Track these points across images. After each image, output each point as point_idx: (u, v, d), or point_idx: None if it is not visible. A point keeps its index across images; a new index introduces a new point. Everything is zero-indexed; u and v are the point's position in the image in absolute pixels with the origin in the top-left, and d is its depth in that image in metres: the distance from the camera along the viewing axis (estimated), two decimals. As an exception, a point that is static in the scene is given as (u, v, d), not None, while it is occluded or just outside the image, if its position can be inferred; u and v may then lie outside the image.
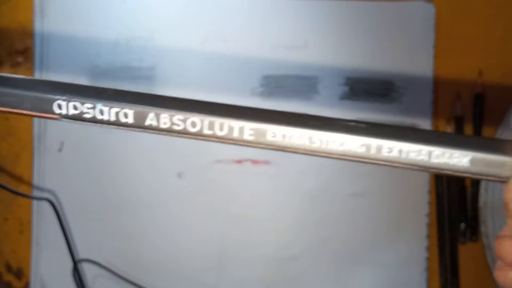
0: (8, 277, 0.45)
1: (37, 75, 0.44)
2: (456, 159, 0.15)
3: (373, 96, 0.43)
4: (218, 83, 0.43)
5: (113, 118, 0.17)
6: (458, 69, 0.44)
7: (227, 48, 0.43)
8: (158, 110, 0.16)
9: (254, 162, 0.44)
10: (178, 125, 0.16)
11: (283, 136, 0.16)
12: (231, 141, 0.16)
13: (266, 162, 0.43)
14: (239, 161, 0.44)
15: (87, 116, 0.17)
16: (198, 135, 0.16)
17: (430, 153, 0.15)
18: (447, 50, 0.43)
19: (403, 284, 0.44)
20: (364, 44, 0.43)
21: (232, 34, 0.43)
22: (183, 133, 0.16)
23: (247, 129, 0.16)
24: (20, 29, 0.44)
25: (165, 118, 0.16)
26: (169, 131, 0.17)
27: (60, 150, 0.44)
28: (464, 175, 0.15)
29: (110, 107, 0.16)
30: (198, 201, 0.44)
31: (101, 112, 0.16)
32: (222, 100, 0.44)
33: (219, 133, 0.16)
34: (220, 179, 0.44)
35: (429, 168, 0.15)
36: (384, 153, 0.15)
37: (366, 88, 0.43)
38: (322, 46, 0.43)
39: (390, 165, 0.16)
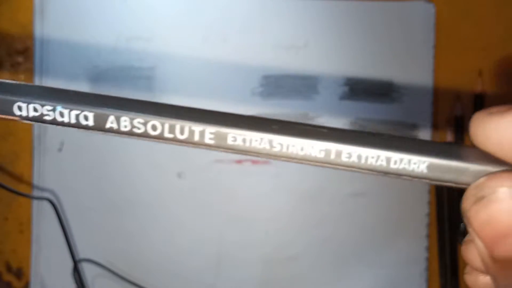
0: (8, 277, 0.45)
1: (37, 75, 0.44)
2: (414, 165, 0.15)
3: (373, 96, 0.43)
4: (218, 83, 0.43)
5: (73, 121, 0.17)
6: (458, 69, 0.44)
7: (227, 48, 0.43)
8: (118, 113, 0.16)
9: (254, 162, 0.44)
10: (138, 128, 0.16)
11: (243, 140, 0.16)
12: (192, 145, 0.16)
13: (266, 162, 0.43)
14: (239, 161, 0.44)
15: (47, 118, 0.16)
16: (159, 138, 0.16)
17: (388, 159, 0.15)
18: (447, 50, 0.43)
19: (403, 284, 0.44)
20: (364, 44, 0.43)
21: (232, 34, 0.43)
22: (144, 136, 0.16)
23: (207, 133, 0.16)
24: (20, 29, 0.44)
25: (125, 121, 0.16)
26: (130, 134, 0.17)
27: (60, 150, 0.44)
28: (423, 180, 0.15)
29: (70, 110, 0.16)
30: (198, 201, 0.44)
31: (61, 115, 0.16)
32: (222, 101, 0.44)
33: (180, 137, 0.16)
34: (220, 179, 0.44)
35: (388, 173, 0.15)
36: (344, 158, 0.16)
37: (366, 88, 0.43)
38: (322, 46, 0.43)
39: (350, 170, 0.16)
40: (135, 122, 0.16)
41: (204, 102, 0.43)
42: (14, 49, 0.44)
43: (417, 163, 0.15)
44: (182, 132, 0.16)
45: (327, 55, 0.43)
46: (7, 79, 0.17)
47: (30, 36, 0.44)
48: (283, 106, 0.43)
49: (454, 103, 0.43)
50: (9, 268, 0.45)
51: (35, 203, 0.44)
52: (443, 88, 0.43)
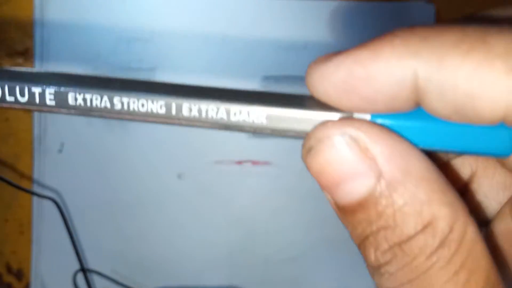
0: (8, 278, 0.45)
1: (37, 76, 0.44)
2: (253, 115, 0.15)
3: (373, 97, 0.43)
4: (218, 84, 0.43)
5: None
6: (458, 69, 0.43)
7: (227, 48, 0.43)
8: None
9: (254, 163, 0.44)
10: None
11: (84, 100, 0.16)
12: (35, 108, 0.16)
13: (266, 163, 0.43)
14: (239, 162, 0.43)
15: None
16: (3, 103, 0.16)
17: (228, 111, 0.15)
18: (447, 51, 0.43)
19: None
20: (364, 45, 0.43)
21: (232, 35, 0.43)
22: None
23: (47, 93, 0.16)
24: (20, 29, 0.44)
25: None
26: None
27: (60, 151, 0.44)
28: (264, 132, 0.15)
29: None
30: (198, 202, 0.44)
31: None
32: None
33: (21, 100, 0.16)
34: (220, 180, 0.44)
35: (230, 126, 0.15)
36: (185, 113, 0.16)
37: (366, 88, 0.43)
38: (322, 47, 0.43)
39: (193, 125, 0.16)
40: None
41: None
42: (14, 49, 0.44)
43: (256, 114, 0.15)
44: (22, 94, 0.16)
45: (327, 55, 0.43)
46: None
47: (30, 37, 0.44)
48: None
49: (455, 103, 0.43)
50: (9, 269, 0.45)
51: (35, 204, 0.44)
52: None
